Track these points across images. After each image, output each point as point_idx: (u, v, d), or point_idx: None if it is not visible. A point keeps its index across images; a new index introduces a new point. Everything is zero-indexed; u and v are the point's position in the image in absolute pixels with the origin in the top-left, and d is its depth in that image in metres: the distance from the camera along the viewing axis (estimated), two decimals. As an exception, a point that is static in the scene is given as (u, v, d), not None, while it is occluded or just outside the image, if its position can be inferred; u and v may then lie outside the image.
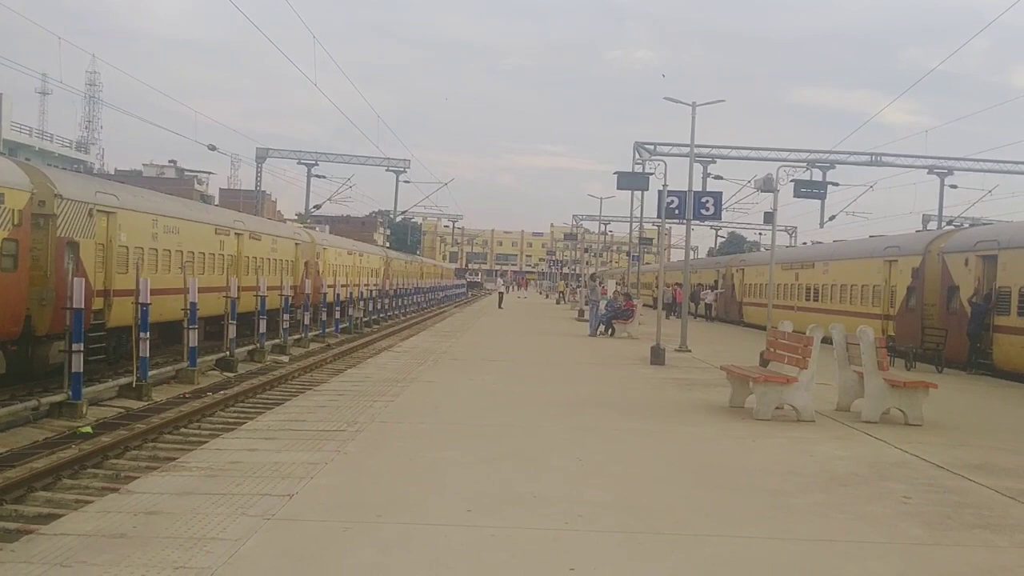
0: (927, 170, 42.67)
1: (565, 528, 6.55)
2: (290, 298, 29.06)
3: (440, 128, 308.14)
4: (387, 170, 66.72)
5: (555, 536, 6.34)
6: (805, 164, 39.47)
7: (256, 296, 25.83)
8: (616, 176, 27.94)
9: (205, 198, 38.96)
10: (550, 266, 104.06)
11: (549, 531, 6.46)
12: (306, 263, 38.26)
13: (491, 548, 6.04)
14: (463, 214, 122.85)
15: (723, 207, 38.71)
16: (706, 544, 6.32)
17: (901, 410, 12.26)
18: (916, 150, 43.50)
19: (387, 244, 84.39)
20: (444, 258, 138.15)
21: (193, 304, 20.61)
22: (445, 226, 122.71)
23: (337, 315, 36.47)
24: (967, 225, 31.59)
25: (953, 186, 43.72)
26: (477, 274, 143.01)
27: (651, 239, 58.59)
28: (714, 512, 7.21)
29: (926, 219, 44.13)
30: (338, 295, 36.02)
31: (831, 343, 13.85)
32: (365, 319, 40.22)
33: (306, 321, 30.79)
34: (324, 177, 64.08)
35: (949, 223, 39.27)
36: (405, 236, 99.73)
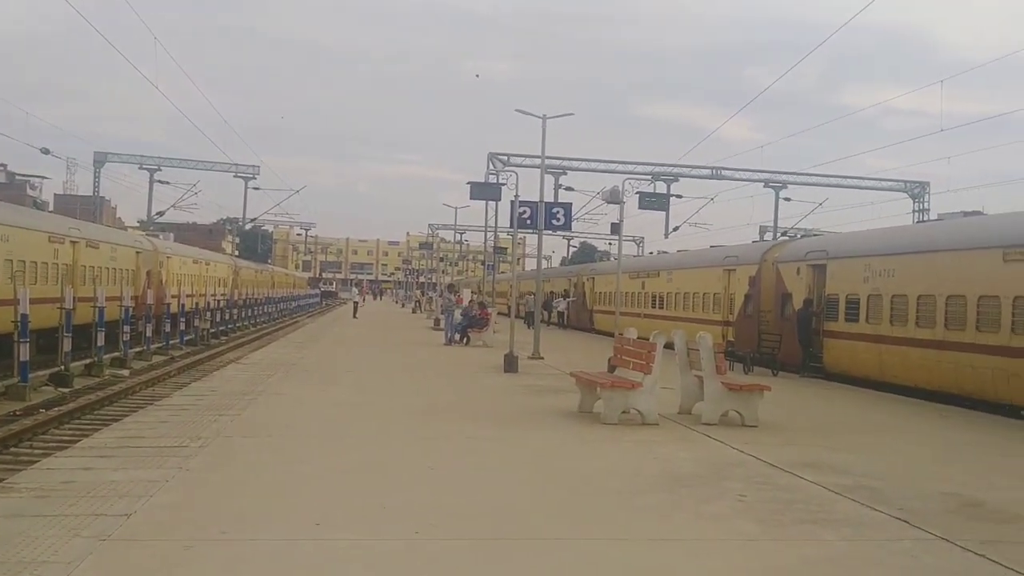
0: (763, 183, 45.01)
1: (416, 537, 6.56)
2: (131, 309, 27.77)
3: (293, 134, 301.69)
4: (235, 176, 64.85)
5: (406, 546, 6.34)
6: (651, 177, 40.85)
7: (94, 307, 24.60)
8: (469, 186, 28.13)
9: (38, 204, 36.84)
10: (406, 275, 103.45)
11: (400, 541, 6.45)
12: (148, 272, 36.70)
13: (340, 561, 5.98)
14: (316, 222, 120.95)
15: (574, 217, 39.63)
16: (555, 547, 6.46)
17: (738, 412, 12.87)
18: (754, 164, 45.84)
19: (236, 253, 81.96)
20: (297, 267, 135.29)
21: (24, 316, 19.40)
22: (298, 234, 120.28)
23: (182, 326, 35.12)
24: (800, 236, 33.46)
25: (787, 199, 46.25)
26: (331, 283, 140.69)
27: (506, 248, 59.27)
28: (563, 515, 7.39)
29: (763, 230, 46.49)
30: (183, 305, 34.70)
31: (675, 349, 14.41)
32: (212, 330, 38.88)
33: (148, 333, 29.51)
34: (168, 183, 61.65)
35: (783, 234, 41.48)
36: (255, 244, 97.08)
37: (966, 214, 20.20)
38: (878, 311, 19.49)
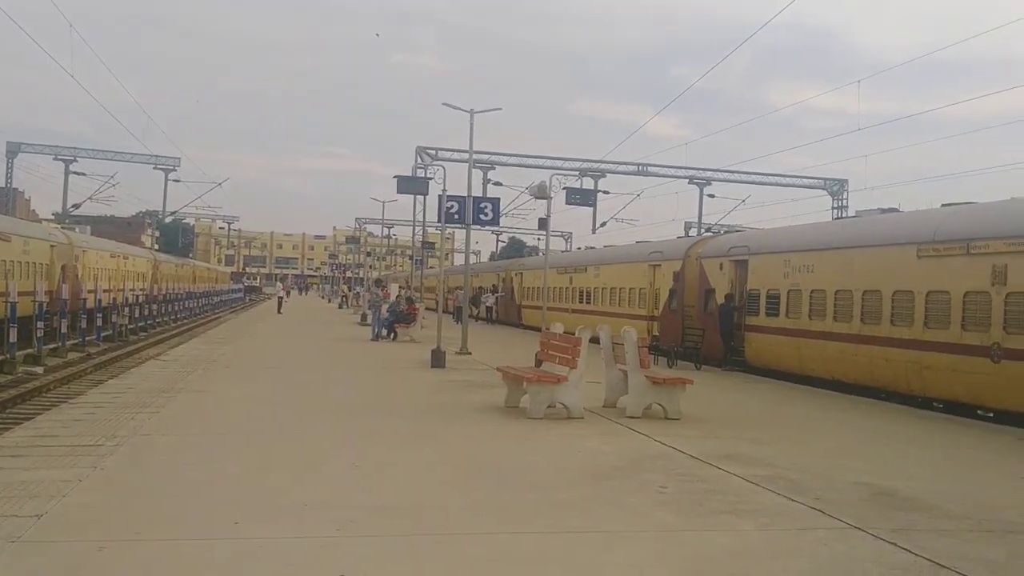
0: (688, 180, 45.71)
1: (337, 535, 6.48)
2: (45, 304, 26.89)
3: (215, 126, 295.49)
4: (155, 168, 63.28)
5: (326, 543, 6.27)
6: (578, 173, 41.14)
7: (5, 302, 23.76)
8: (396, 180, 27.90)
9: (-55, 196, 35.31)
10: (332, 270, 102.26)
11: (320, 539, 6.37)
12: (63, 266, 35.57)
13: (258, 559, 5.88)
14: (240, 216, 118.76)
15: (502, 213, 39.64)
16: (477, 542, 6.46)
17: (661, 405, 13.06)
18: (679, 161, 46.43)
19: (156, 247, 79.99)
20: (220, 261, 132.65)
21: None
22: (221, 228, 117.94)
23: (99, 322, 34.13)
24: (723, 232, 34.06)
25: (711, 195, 47.02)
26: (256, 278, 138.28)
27: (434, 243, 59.09)
28: (486, 510, 7.39)
29: (687, 226, 47.15)
30: (100, 300, 33.72)
31: (600, 343, 14.55)
32: (131, 326, 37.91)
33: (63, 329, 28.63)
34: (85, 175, 59.83)
35: (707, 230, 42.18)
36: (176, 238, 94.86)
37: (883, 211, 20.80)
38: (797, 306, 19.96)
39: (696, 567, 6.02)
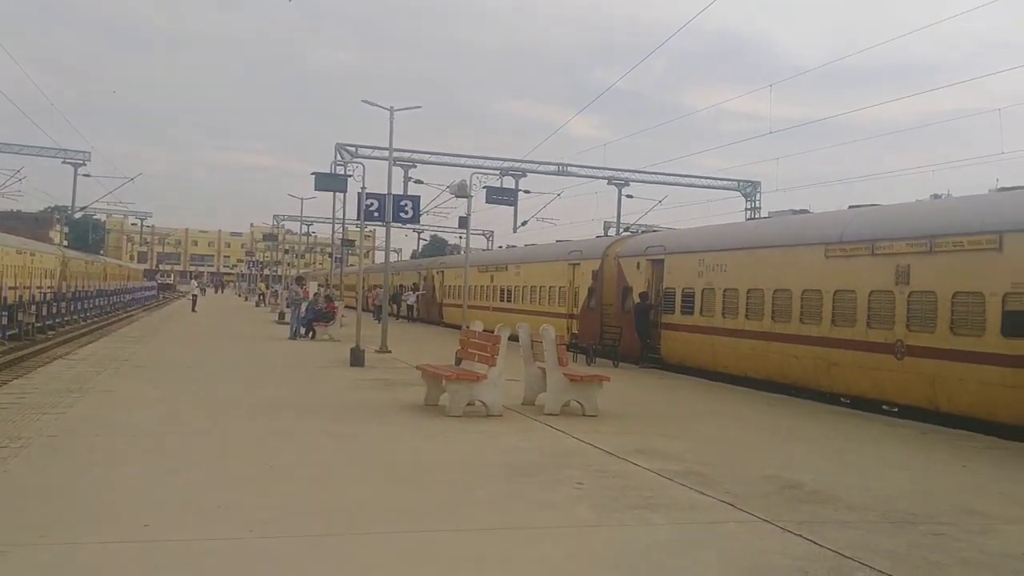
0: (607, 180, 46.20)
1: (249, 536, 6.40)
2: (-56, 302, 25.77)
3: (128, 120, 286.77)
4: (64, 162, 61.14)
5: (237, 545, 6.18)
6: (499, 172, 41.23)
7: (-100, 300, 22.69)
8: (314, 177, 27.54)
9: None
10: (250, 267, 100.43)
11: (231, 540, 6.28)
12: (-35, 263, 34.17)
13: (167, 562, 5.76)
14: (154, 212, 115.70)
15: (423, 211, 39.48)
16: (392, 542, 6.44)
17: (579, 402, 13.21)
18: (598, 162, 46.86)
19: (65, 243, 77.40)
20: (132, 258, 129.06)
21: None
22: (133, 224, 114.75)
23: (4, 320, 32.84)
24: (641, 232, 34.57)
25: (630, 196, 47.63)
26: (169, 275, 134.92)
27: (354, 241, 58.56)
28: (402, 509, 7.37)
29: (607, 226, 47.68)
30: (5, 298, 32.47)
31: (520, 341, 14.64)
32: (38, 325, 36.58)
33: (-36, 328, 27.48)
34: (-12, 168, 57.41)
35: (626, 230, 42.79)
36: (87, 234, 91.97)
37: (795, 212, 21.38)
38: (711, 304, 20.40)
39: (610, 561, 6.11)
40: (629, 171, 46.76)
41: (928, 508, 7.95)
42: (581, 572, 5.86)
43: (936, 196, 20.61)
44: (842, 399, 16.28)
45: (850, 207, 18.11)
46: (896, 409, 15.11)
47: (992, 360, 12.92)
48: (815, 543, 6.62)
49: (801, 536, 6.80)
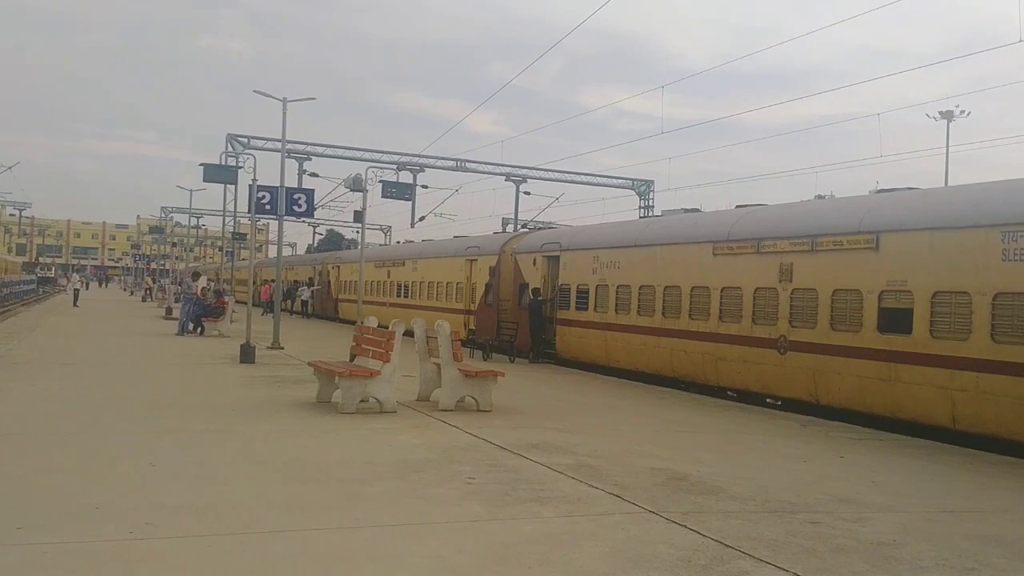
0: (505, 177, 46.36)
1: (130, 538, 6.19)
2: None
3: (6, 106, 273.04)
4: (-65, 149, 57.78)
5: (119, 547, 5.97)
6: (396, 166, 40.90)
7: None
8: (203, 168, 26.78)
9: None
10: (136, 261, 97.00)
11: (111, 542, 6.06)
12: None
13: (43, 566, 5.53)
14: (33, 202, 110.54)
15: (318, 204, 38.87)
16: (279, 540, 6.33)
17: (474, 398, 13.24)
18: (496, 158, 47.01)
19: (-65, 233, 73.19)
20: (10, 251, 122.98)
21: None
22: (11, 215, 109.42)
23: None
24: (538, 228, 34.83)
25: (527, 192, 47.88)
26: (51, 268, 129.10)
27: (246, 234, 57.25)
28: (292, 508, 7.25)
29: (505, 222, 47.84)
30: None
31: (415, 337, 14.58)
32: (-97, 320, 34.56)
33: None
34: None
35: (524, 226, 42.99)
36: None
37: (686, 211, 21.89)
38: (605, 300, 20.73)
39: (499, 554, 6.15)
40: (527, 168, 47.03)
41: (806, 498, 8.27)
42: (470, 566, 5.87)
43: (820, 197, 21.43)
44: (729, 393, 16.77)
45: (737, 207, 18.65)
46: (779, 402, 15.67)
47: (868, 355, 13.52)
48: (699, 533, 6.81)
49: (685, 526, 6.99)
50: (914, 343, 12.76)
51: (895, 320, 13.16)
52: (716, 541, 6.60)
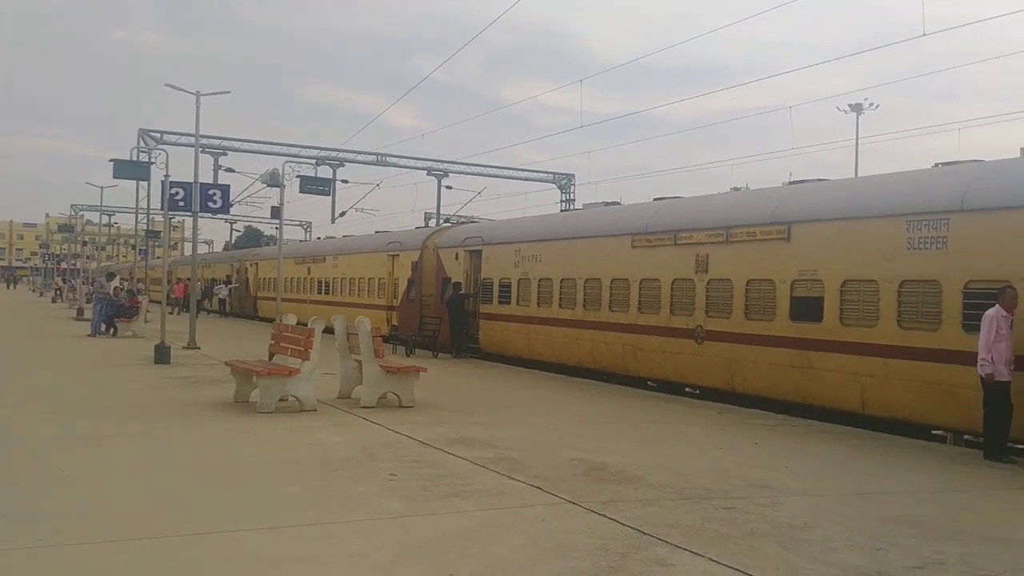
0: (426, 171, 46.12)
1: (38, 545, 5.99)
2: None
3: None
4: None
5: (27, 556, 5.78)
6: (315, 161, 40.34)
7: None
8: (112, 164, 26.01)
9: None
10: (45, 261, 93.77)
11: (18, 551, 5.86)
12: None
13: (-59, 581, 5.33)
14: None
15: (235, 200, 38.12)
16: (195, 544, 6.21)
17: (396, 394, 13.18)
18: (417, 152, 46.75)
19: None
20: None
21: None
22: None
23: None
24: (460, 223, 34.77)
25: (449, 187, 47.74)
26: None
27: (159, 232, 55.80)
28: (208, 510, 7.12)
29: (427, 216, 47.63)
30: None
31: (335, 334, 14.43)
32: None
33: None
34: None
35: (446, 221, 42.89)
36: None
37: (607, 204, 22.11)
38: (527, 293, 20.83)
39: (420, 550, 6.14)
40: (448, 162, 46.86)
41: (722, 484, 8.45)
42: (391, 563, 5.85)
43: (736, 189, 21.87)
44: (649, 383, 17.03)
45: (655, 199, 18.93)
46: (697, 391, 15.97)
47: (781, 343, 13.87)
48: (617, 522, 6.90)
49: (604, 516, 7.08)
50: (825, 331, 13.13)
51: (807, 308, 13.53)
52: (634, 529, 6.70)
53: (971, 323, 10.72)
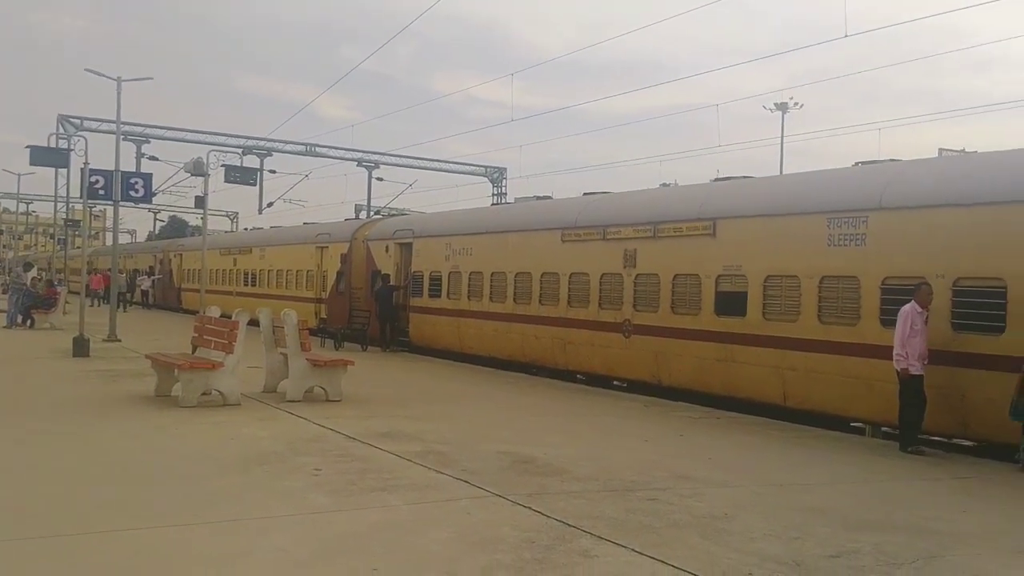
0: (357, 162, 45.68)
1: (-58, 547, 5.78)
2: None
3: None
4: None
5: (-72, 558, 5.56)
6: (241, 150, 39.62)
7: None
8: (29, 151, 25.16)
9: None
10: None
11: (-80, 553, 5.64)
12: None
13: None
14: None
15: (159, 190, 37.27)
16: (113, 541, 6.06)
17: (323, 388, 13.04)
18: (347, 143, 46.28)
19: None
20: None
21: None
22: None
23: None
24: (391, 215, 34.53)
25: (380, 179, 47.35)
26: None
27: (79, 221, 54.22)
28: (127, 507, 6.95)
29: (358, 208, 47.17)
30: None
31: (260, 327, 14.20)
32: None
33: None
34: None
35: (376, 213, 42.54)
36: None
37: (538, 198, 22.17)
38: (458, 287, 20.79)
39: (344, 545, 6.08)
40: (379, 153, 46.51)
41: (646, 476, 8.55)
42: (313, 558, 5.78)
43: (665, 185, 22.13)
44: (578, 376, 17.15)
45: (585, 194, 19.04)
46: (625, 384, 16.14)
47: (706, 337, 14.09)
48: (543, 514, 6.93)
49: (530, 508, 7.11)
50: (748, 325, 13.38)
51: (731, 303, 13.77)
52: (559, 521, 6.74)
53: (888, 318, 11.03)
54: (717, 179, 16.80)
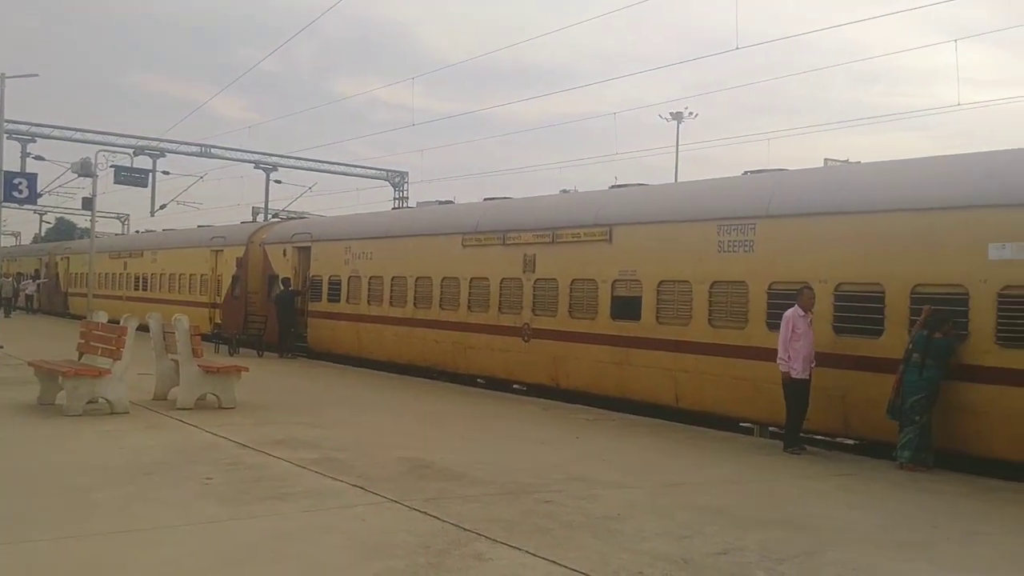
0: (254, 164, 44.81)
1: None
2: None
3: None
4: None
5: None
6: (133, 150, 38.40)
7: None
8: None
9: None
10: None
11: None
12: None
13: None
14: None
15: (44, 191, 35.81)
16: (-13, 557, 5.80)
17: (216, 395, 12.75)
18: (244, 145, 45.32)
19: None
20: None
21: None
22: None
23: None
24: (290, 218, 33.97)
25: (278, 181, 46.57)
26: None
27: (-42, 222, 51.51)
28: (5, 519, 6.65)
29: (255, 211, 46.21)
30: None
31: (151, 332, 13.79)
32: None
33: None
34: None
35: (274, 216, 41.79)
36: None
37: (441, 203, 22.17)
38: (358, 291, 20.62)
39: (235, 555, 5.98)
40: (277, 155, 45.74)
41: (543, 478, 8.66)
42: (203, 569, 5.66)
43: (565, 191, 22.41)
44: (478, 380, 17.22)
45: (485, 199, 19.14)
46: (525, 388, 16.28)
47: (603, 340, 14.34)
48: (439, 519, 6.95)
49: (426, 513, 7.11)
50: (643, 328, 13.68)
51: (626, 307, 14.05)
52: (455, 525, 6.77)
53: (774, 322, 11.41)
54: (614, 186, 17.13)
